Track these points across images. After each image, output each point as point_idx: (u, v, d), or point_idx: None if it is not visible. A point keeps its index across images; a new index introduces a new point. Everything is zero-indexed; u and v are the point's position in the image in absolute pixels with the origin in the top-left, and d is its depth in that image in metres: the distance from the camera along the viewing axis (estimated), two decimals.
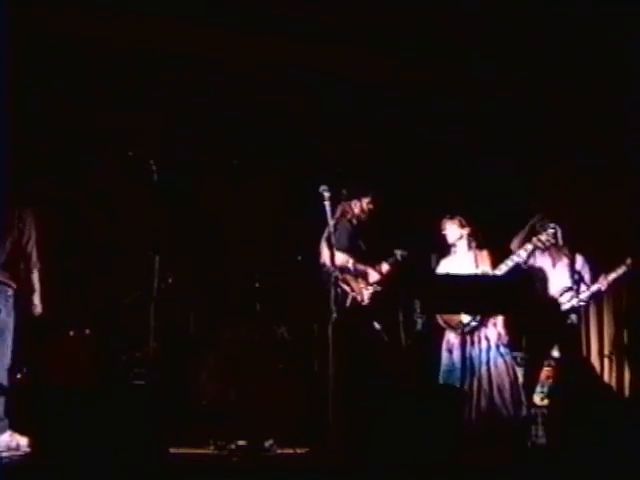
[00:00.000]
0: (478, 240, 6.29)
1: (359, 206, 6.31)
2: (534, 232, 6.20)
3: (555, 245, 6.25)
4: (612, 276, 6.36)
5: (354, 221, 6.28)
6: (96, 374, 5.93)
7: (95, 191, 7.07)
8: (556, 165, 8.04)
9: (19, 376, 5.86)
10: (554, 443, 6.00)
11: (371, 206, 6.33)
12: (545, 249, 6.25)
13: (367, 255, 6.30)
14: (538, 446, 6.08)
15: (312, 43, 7.29)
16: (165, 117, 7.17)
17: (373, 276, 6.22)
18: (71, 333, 6.12)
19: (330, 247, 5.92)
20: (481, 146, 7.85)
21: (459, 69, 7.61)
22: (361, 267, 6.22)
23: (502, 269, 6.08)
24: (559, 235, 6.09)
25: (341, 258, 6.04)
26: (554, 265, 6.44)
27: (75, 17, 6.79)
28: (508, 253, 6.27)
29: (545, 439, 6.12)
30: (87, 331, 6.14)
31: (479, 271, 6.13)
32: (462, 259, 6.25)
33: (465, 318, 6.02)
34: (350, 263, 6.18)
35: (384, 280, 6.25)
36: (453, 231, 6.30)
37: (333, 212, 5.87)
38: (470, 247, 6.28)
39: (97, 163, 7.06)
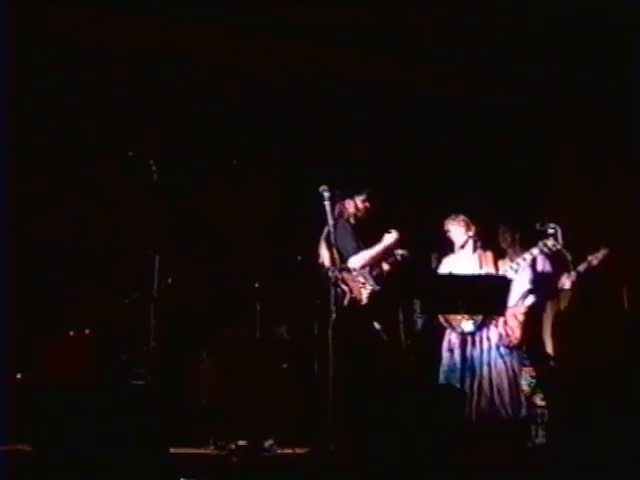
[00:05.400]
0: (483, 241, 6.27)
1: (353, 205, 6.29)
2: (535, 233, 6.18)
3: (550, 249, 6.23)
4: (574, 274, 6.33)
5: (352, 220, 6.27)
6: (96, 374, 5.92)
7: (95, 191, 7.07)
8: (556, 165, 8.05)
9: (19, 376, 5.86)
10: (554, 443, 6.01)
11: (367, 204, 6.30)
12: (551, 254, 6.21)
13: None
14: (538, 446, 6.07)
15: (312, 43, 7.30)
16: (165, 117, 7.17)
17: (390, 239, 6.14)
18: (71, 333, 6.12)
19: (329, 247, 5.93)
20: (481, 145, 7.86)
21: (460, 68, 7.62)
22: (378, 247, 6.19)
23: (509, 272, 6.06)
24: (559, 235, 6.08)
25: (359, 259, 6.05)
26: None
27: (76, 17, 6.80)
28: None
29: (545, 439, 6.12)
30: (87, 331, 6.14)
31: (483, 272, 6.12)
32: (467, 260, 6.23)
33: (467, 324, 6.02)
34: (367, 255, 6.14)
35: (383, 277, 6.21)
36: (459, 233, 6.27)
37: (332, 212, 5.88)
38: (475, 248, 6.26)
39: (97, 163, 7.06)
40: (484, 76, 7.74)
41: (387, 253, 6.20)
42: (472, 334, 6.03)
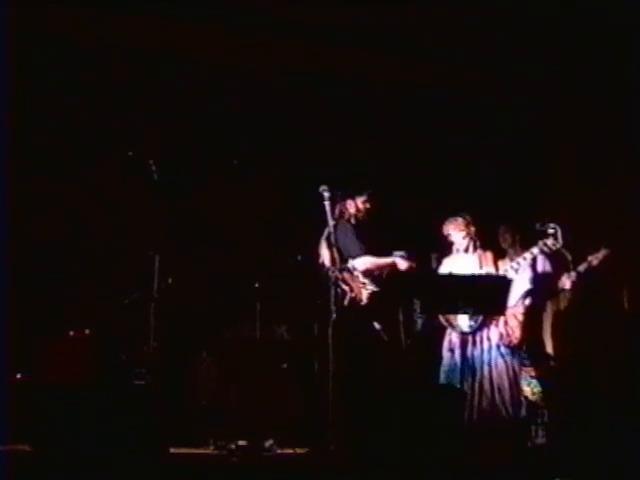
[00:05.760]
0: (482, 240, 6.27)
1: (354, 205, 6.30)
2: (535, 233, 6.19)
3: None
4: (574, 274, 6.33)
5: (352, 221, 6.28)
6: (96, 374, 5.92)
7: (95, 191, 7.07)
8: (556, 165, 8.05)
9: (19, 376, 5.86)
10: (554, 443, 6.01)
11: (367, 205, 6.31)
12: (551, 254, 6.21)
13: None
14: (538, 446, 6.08)
15: (312, 43, 7.30)
16: (165, 117, 7.17)
17: (402, 264, 6.18)
18: (71, 333, 6.12)
19: (330, 247, 5.93)
20: (481, 145, 7.86)
21: (460, 68, 7.62)
22: (386, 261, 6.20)
23: (509, 272, 6.06)
24: (559, 235, 6.08)
25: (363, 262, 6.06)
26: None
27: (76, 17, 6.80)
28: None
29: (545, 439, 6.12)
30: (87, 331, 6.14)
31: (483, 272, 6.12)
32: (466, 260, 6.22)
33: (464, 324, 6.03)
34: (372, 262, 6.15)
35: (382, 278, 6.22)
36: (459, 237, 6.25)
37: (333, 212, 5.89)
38: (475, 248, 6.26)
39: (97, 163, 7.06)
40: (484, 76, 7.74)
41: (392, 268, 6.20)
42: (473, 333, 6.03)
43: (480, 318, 6.01)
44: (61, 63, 6.89)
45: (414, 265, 6.18)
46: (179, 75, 7.20)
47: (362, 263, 6.07)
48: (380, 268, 6.17)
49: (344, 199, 6.25)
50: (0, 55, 5.21)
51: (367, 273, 6.09)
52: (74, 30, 6.86)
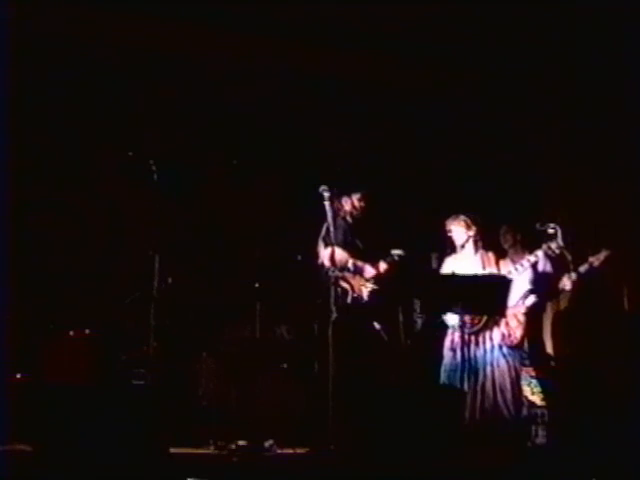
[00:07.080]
0: (485, 241, 6.27)
1: (349, 203, 6.31)
2: (536, 233, 6.19)
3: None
4: (574, 275, 6.35)
5: (348, 218, 6.29)
6: (96, 374, 5.92)
7: (95, 191, 7.07)
8: (556, 165, 8.06)
9: (19, 376, 5.86)
10: (554, 443, 6.01)
11: (362, 203, 6.32)
12: (555, 257, 6.22)
13: (365, 254, 6.30)
14: (538, 446, 6.08)
15: (312, 43, 7.30)
16: (165, 117, 7.17)
17: (369, 272, 6.22)
18: (71, 333, 6.12)
19: (327, 246, 5.93)
20: (481, 145, 7.86)
21: (459, 68, 7.62)
22: (359, 263, 6.24)
23: (512, 274, 6.06)
24: (559, 235, 6.08)
25: (340, 254, 6.05)
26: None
27: (76, 17, 6.80)
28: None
29: (545, 439, 6.12)
30: (87, 331, 6.14)
31: (486, 273, 6.12)
32: (469, 260, 6.22)
33: (452, 320, 6.03)
34: (349, 261, 6.18)
35: (380, 277, 6.24)
36: (460, 233, 6.25)
37: (332, 212, 5.89)
38: (477, 249, 6.25)
39: (97, 163, 7.06)
40: (484, 76, 7.74)
41: (360, 274, 6.23)
42: (475, 334, 6.03)
43: (469, 317, 6.02)
44: (61, 63, 6.89)
45: (381, 275, 6.22)
46: (179, 75, 7.20)
47: (339, 254, 6.03)
48: (353, 268, 6.19)
49: (340, 196, 6.26)
50: (0, 55, 5.21)
51: (342, 268, 6.08)
52: (74, 30, 6.86)
